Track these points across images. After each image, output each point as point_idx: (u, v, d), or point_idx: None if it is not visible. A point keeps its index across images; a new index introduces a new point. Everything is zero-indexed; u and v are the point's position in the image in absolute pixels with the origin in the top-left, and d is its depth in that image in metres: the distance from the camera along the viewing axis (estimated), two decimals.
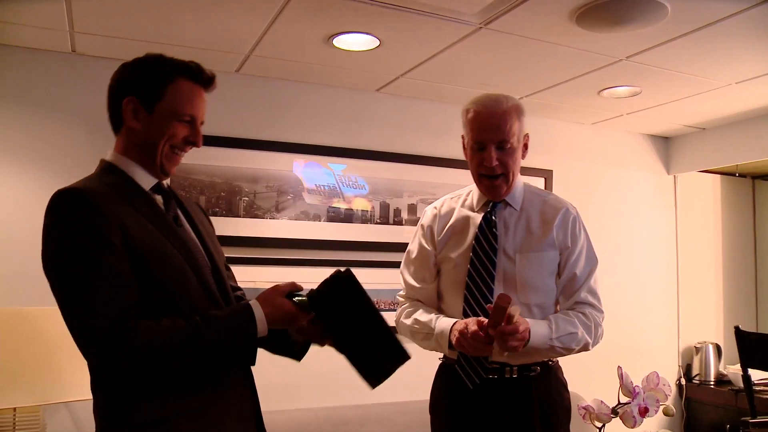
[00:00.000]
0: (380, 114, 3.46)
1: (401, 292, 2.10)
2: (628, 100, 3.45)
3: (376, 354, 1.43)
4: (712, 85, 3.17)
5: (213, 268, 1.49)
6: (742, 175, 4.53)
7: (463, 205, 2.02)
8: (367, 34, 2.61)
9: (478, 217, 1.96)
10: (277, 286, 1.42)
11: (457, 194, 2.09)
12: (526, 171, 3.50)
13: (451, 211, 2.03)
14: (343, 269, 1.41)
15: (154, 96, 1.41)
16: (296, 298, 1.41)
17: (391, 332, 1.43)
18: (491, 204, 1.95)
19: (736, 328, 3.14)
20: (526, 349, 1.75)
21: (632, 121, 3.91)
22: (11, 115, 2.74)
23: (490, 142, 1.85)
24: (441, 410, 1.98)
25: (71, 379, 2.33)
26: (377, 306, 1.44)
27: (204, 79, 1.48)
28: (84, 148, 2.84)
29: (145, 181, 1.45)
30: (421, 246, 2.04)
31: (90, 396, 2.32)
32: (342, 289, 1.40)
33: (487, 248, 1.89)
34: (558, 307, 1.96)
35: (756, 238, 4.62)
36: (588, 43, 2.65)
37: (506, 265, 1.89)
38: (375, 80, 3.25)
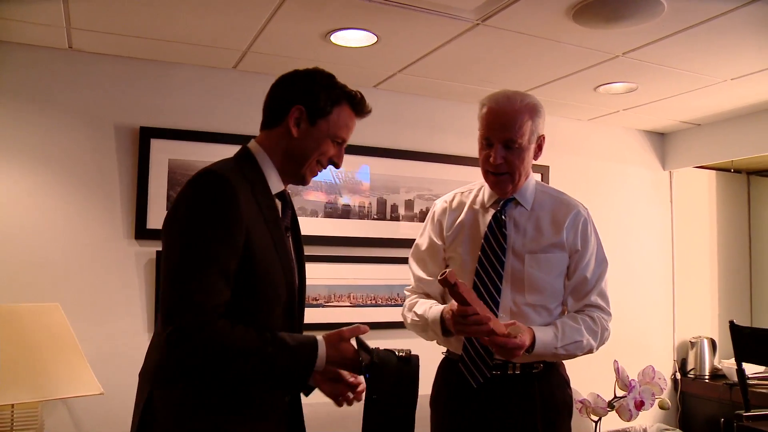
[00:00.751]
0: (378, 110, 3.38)
1: (409, 287, 2.08)
2: (625, 96, 3.46)
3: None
4: (707, 82, 3.19)
5: (299, 284, 1.57)
6: (737, 171, 4.56)
7: (473, 201, 2.00)
8: (365, 30, 2.61)
9: (488, 215, 1.93)
10: (342, 330, 1.45)
11: (468, 188, 2.06)
12: None
13: (461, 206, 2.01)
14: (413, 353, 1.45)
15: (321, 112, 1.52)
16: (361, 346, 1.44)
17: (412, 426, 1.45)
18: (502, 202, 1.93)
19: (731, 323, 3.16)
20: (530, 355, 1.77)
21: (628, 117, 3.93)
22: (8, 112, 2.73)
23: (498, 139, 1.84)
24: (441, 405, 1.97)
25: (69, 375, 2.33)
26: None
27: (362, 111, 1.62)
28: (81, 145, 2.84)
29: (275, 185, 1.54)
30: (429, 239, 2.03)
31: (87, 393, 2.33)
32: (406, 369, 1.43)
33: (496, 247, 1.87)
34: (565, 308, 1.95)
35: (750, 234, 4.65)
36: (584, 39, 2.66)
37: (515, 264, 1.87)
38: (372, 76, 3.26)
